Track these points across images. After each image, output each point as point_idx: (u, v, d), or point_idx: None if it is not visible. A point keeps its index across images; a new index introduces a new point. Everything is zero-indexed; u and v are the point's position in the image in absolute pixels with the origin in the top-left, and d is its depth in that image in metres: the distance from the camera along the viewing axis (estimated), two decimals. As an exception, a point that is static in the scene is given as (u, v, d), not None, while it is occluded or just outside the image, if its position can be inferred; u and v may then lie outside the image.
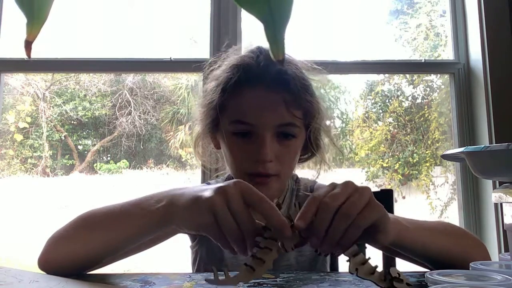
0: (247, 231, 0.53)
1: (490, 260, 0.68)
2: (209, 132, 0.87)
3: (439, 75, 2.15)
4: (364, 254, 0.74)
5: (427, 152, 2.27)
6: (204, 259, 0.87)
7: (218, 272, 0.51)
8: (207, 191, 0.55)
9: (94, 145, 2.88)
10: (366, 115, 2.40)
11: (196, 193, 0.57)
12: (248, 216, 0.53)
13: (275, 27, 0.22)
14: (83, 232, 0.66)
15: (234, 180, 0.57)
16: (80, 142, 2.92)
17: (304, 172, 0.96)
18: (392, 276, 0.49)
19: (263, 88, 0.79)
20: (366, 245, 0.80)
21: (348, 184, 0.56)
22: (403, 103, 2.35)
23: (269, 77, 0.78)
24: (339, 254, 0.54)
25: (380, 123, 2.40)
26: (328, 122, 0.89)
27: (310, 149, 0.86)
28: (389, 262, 0.91)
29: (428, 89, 2.32)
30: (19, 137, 2.64)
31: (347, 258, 0.53)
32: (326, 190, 0.56)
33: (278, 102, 0.78)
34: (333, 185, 0.57)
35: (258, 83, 0.79)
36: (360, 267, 0.51)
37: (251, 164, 0.77)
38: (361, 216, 0.53)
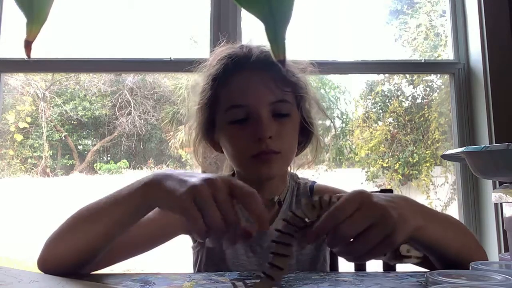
0: (230, 221, 0.53)
1: (488, 259, 0.68)
2: (206, 135, 0.88)
3: (439, 75, 2.15)
4: None
5: (427, 152, 2.27)
6: (205, 260, 0.87)
7: (234, 281, 0.50)
8: (195, 178, 0.56)
9: (94, 145, 2.88)
10: (366, 115, 2.39)
11: (183, 177, 0.57)
12: (231, 206, 0.53)
13: (275, 27, 0.22)
14: (74, 228, 0.67)
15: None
16: (80, 142, 2.91)
17: (304, 172, 0.96)
18: (402, 254, 0.53)
19: (251, 70, 0.82)
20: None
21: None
22: (403, 103, 2.34)
23: (255, 58, 0.81)
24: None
25: (380, 123, 2.40)
26: (317, 102, 0.90)
27: (306, 133, 0.87)
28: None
29: (428, 89, 2.32)
30: (19, 137, 2.64)
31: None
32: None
33: (268, 79, 0.80)
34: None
35: (245, 67, 0.82)
36: None
37: (253, 145, 0.79)
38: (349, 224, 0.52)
